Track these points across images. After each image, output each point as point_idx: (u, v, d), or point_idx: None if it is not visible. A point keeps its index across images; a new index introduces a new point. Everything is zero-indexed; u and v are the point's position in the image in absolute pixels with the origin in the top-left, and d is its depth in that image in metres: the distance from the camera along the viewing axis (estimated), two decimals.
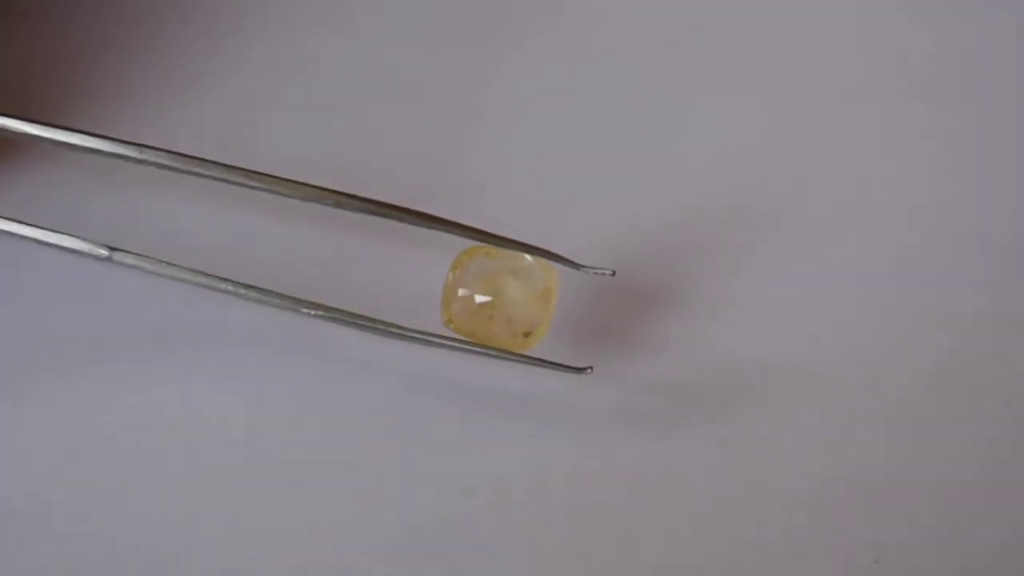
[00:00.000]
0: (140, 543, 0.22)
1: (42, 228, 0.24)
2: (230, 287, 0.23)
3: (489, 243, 0.22)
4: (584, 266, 0.23)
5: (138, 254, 0.24)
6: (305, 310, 0.23)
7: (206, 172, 0.23)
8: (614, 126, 0.28)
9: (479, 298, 0.23)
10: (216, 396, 0.24)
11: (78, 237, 0.24)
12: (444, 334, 0.23)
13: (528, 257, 0.23)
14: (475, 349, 0.22)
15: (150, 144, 0.23)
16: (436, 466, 0.23)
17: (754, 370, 0.24)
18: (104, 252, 0.24)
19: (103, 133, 0.23)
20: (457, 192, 0.26)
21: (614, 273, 0.23)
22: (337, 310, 0.23)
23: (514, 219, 0.23)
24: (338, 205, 0.23)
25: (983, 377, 0.24)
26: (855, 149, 0.27)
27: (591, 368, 0.22)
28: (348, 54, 0.29)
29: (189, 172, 0.23)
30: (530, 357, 0.22)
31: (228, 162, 0.23)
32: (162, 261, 0.24)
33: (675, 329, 0.24)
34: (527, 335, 0.23)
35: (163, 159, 0.23)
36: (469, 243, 0.23)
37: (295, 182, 0.23)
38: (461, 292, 0.23)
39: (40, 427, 0.24)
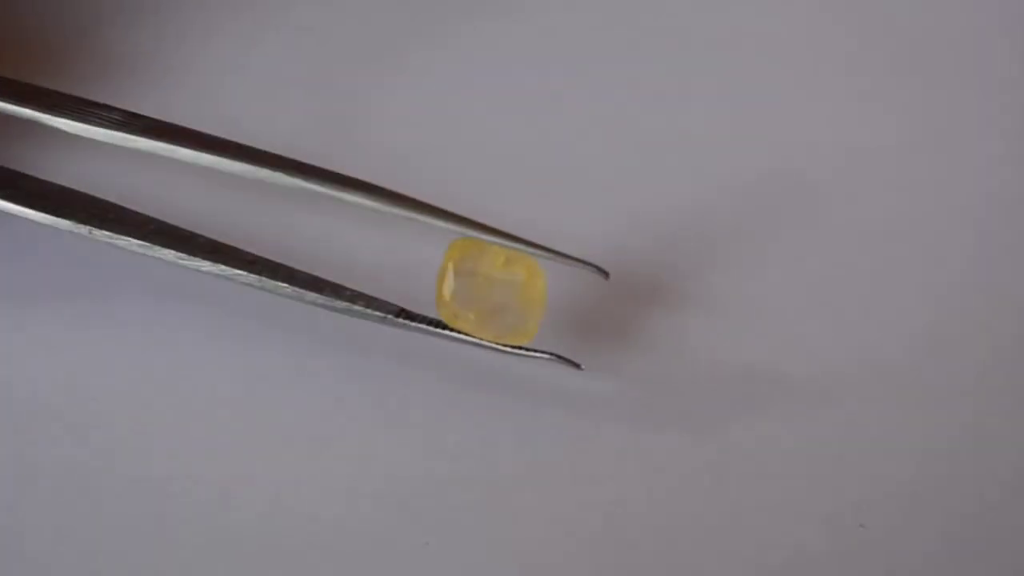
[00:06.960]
0: (135, 497, 0.23)
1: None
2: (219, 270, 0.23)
3: (484, 236, 0.22)
4: (578, 259, 0.23)
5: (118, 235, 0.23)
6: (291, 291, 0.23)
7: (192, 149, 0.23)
8: (608, 110, 0.28)
9: (473, 293, 0.23)
10: (207, 360, 0.24)
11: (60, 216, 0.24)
12: (441, 324, 0.23)
13: (519, 252, 0.23)
14: (471, 341, 0.23)
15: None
16: (423, 431, 0.23)
17: (746, 356, 0.24)
18: (85, 230, 0.23)
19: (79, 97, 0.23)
20: (443, 174, 0.26)
21: (608, 276, 0.23)
22: (334, 286, 0.23)
23: (505, 202, 0.24)
24: (332, 192, 0.23)
25: (966, 345, 0.24)
26: (854, 139, 0.27)
27: (582, 365, 0.23)
28: (325, 23, 0.29)
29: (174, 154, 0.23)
30: (524, 348, 0.23)
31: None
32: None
33: (668, 325, 0.24)
34: (518, 330, 0.23)
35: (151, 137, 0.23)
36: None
37: (287, 160, 0.23)
38: (455, 287, 0.23)
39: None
